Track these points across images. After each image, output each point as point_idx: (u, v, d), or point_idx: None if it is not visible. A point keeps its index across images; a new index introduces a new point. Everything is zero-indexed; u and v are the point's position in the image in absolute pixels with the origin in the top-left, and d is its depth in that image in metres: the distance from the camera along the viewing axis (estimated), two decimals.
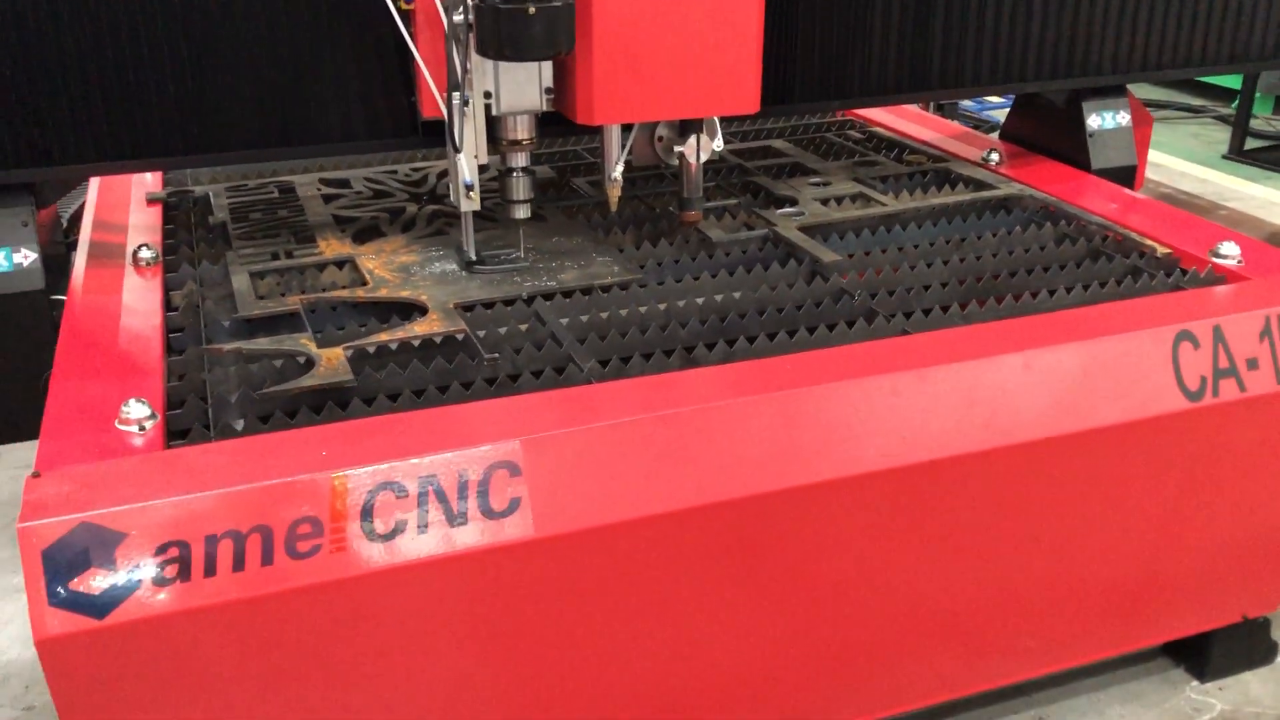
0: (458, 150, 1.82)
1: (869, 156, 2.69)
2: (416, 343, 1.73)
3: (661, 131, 2.07)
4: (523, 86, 1.87)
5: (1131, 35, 2.44)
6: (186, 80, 1.88)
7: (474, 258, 1.98)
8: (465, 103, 1.83)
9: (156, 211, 2.32)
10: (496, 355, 1.68)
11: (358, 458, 1.40)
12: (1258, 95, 5.75)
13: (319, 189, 2.43)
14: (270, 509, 1.35)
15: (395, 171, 2.56)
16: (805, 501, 1.57)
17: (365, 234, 2.18)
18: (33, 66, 1.80)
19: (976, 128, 4.80)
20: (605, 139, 2.00)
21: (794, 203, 2.33)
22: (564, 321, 1.82)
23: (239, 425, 1.54)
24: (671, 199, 2.33)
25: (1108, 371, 1.72)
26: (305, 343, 1.71)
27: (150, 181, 2.49)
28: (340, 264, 2.03)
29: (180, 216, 2.32)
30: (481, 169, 1.93)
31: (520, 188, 1.97)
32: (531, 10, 1.67)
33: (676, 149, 2.04)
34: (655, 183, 2.48)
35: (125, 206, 2.33)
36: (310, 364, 1.65)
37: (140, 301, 1.89)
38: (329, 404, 1.57)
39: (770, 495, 1.53)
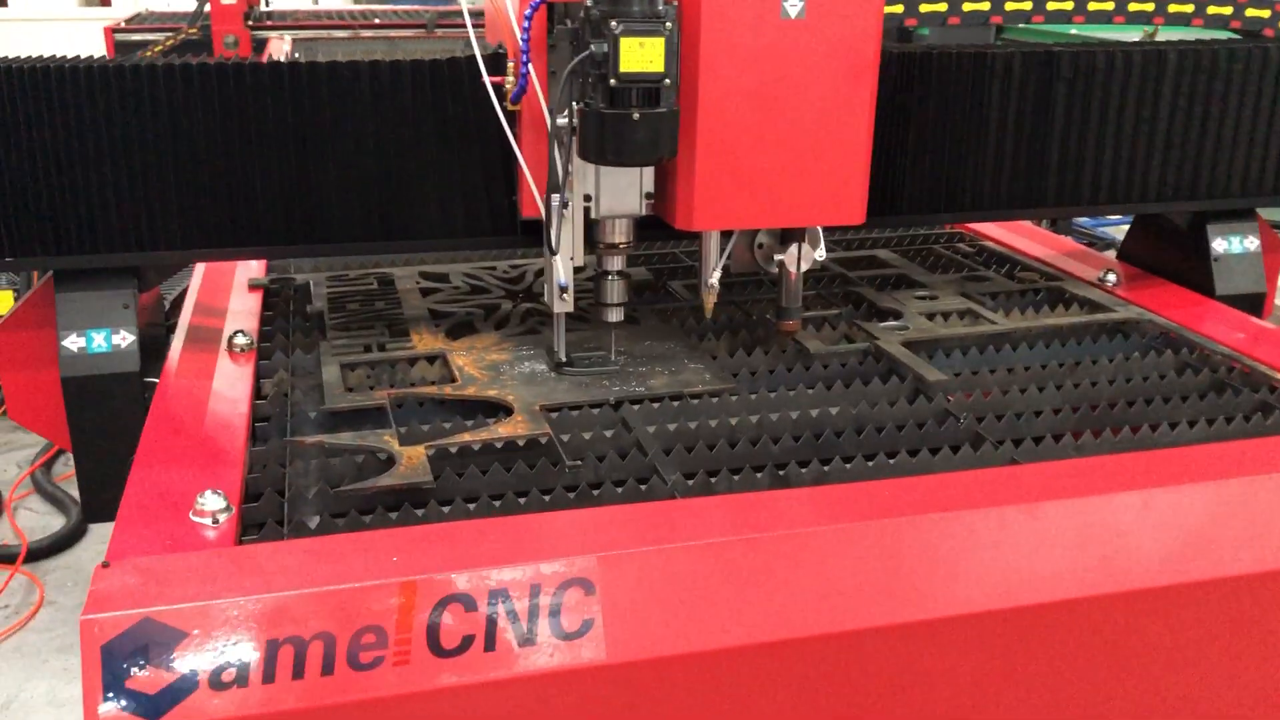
0: (553, 252, 1.80)
1: (978, 271, 2.60)
2: (499, 444, 1.69)
3: (762, 239, 2.02)
4: (623, 191, 1.85)
5: (1263, 157, 2.33)
6: (292, 173, 1.90)
7: (564, 359, 1.94)
8: (565, 205, 1.81)
9: (257, 298, 2.34)
10: (580, 463, 1.62)
11: (428, 565, 1.35)
12: None
13: (418, 282, 2.44)
14: (334, 616, 1.29)
15: (494, 268, 2.56)
16: (899, 641, 1.45)
17: (459, 329, 2.17)
18: (143, 154, 1.84)
19: (1090, 244, 4.67)
20: (704, 245, 1.96)
21: (898, 316, 2.25)
22: (651, 430, 1.76)
23: (313, 523, 1.50)
24: (769, 306, 2.27)
25: (1236, 516, 1.58)
26: (388, 439, 1.67)
27: (255, 268, 2.53)
28: (431, 359, 2.01)
29: (280, 304, 2.34)
30: (577, 270, 1.91)
31: (615, 291, 1.94)
32: (636, 116, 1.65)
33: (777, 257, 1.99)
34: (753, 289, 2.43)
35: (227, 291, 2.37)
36: (391, 461, 1.61)
37: (230, 388, 1.89)
38: (405, 505, 1.52)
39: (861, 632, 1.43)
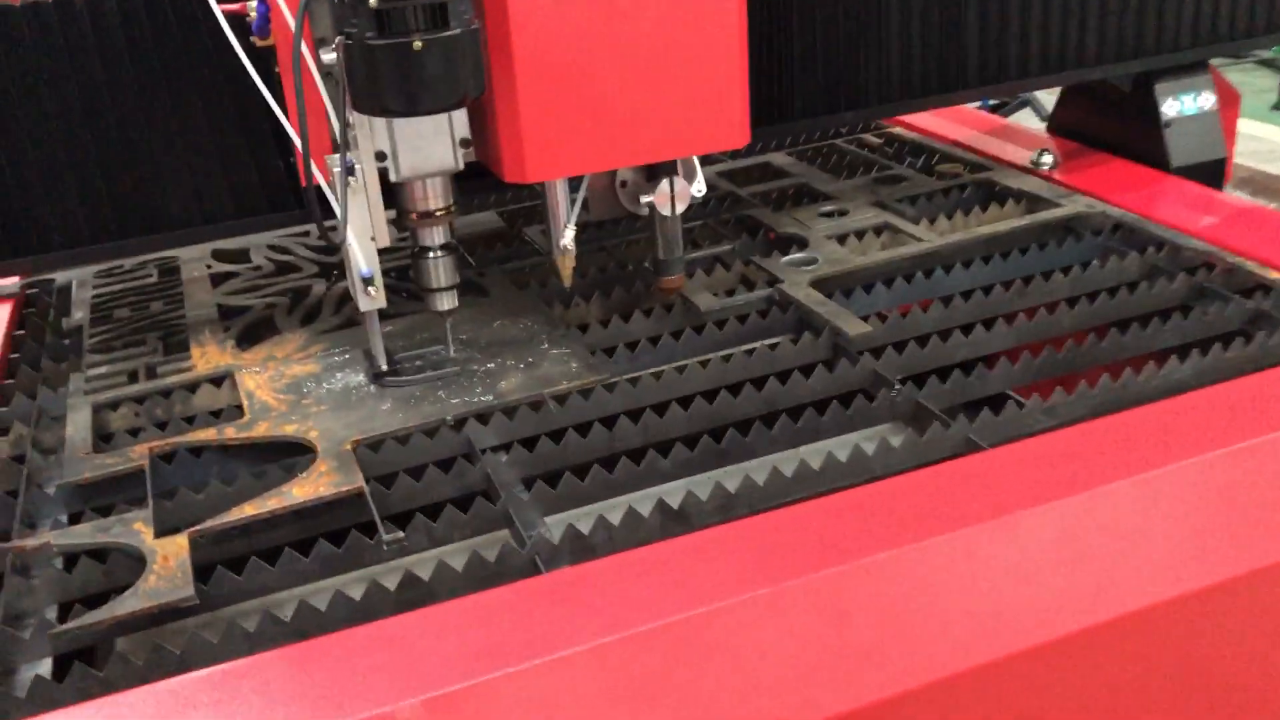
0: (337, 244, 1.34)
1: (890, 168, 2.19)
2: (297, 511, 1.25)
3: (625, 175, 1.58)
4: (428, 142, 1.38)
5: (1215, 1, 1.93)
6: None
7: (384, 368, 1.49)
8: (350, 170, 1.34)
9: (8, 312, 1.84)
10: (401, 535, 1.20)
11: None
12: None
13: (209, 266, 1.95)
14: None
15: (308, 234, 2.07)
16: None
17: (254, 331, 1.70)
18: None
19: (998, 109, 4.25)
20: (548, 197, 1.51)
21: (803, 245, 1.84)
22: (504, 458, 1.34)
23: (24, 686, 1.06)
24: (651, 246, 1.84)
25: (1253, 494, 1.22)
26: (139, 527, 1.23)
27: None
28: (218, 381, 1.55)
29: (37, 317, 1.84)
30: (385, 251, 1.45)
31: (440, 272, 1.48)
32: (418, 44, 1.18)
33: (644, 199, 1.55)
34: (629, 226, 1.99)
35: None
36: (142, 563, 1.17)
37: None
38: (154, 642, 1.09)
39: None
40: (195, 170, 1.50)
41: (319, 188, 1.33)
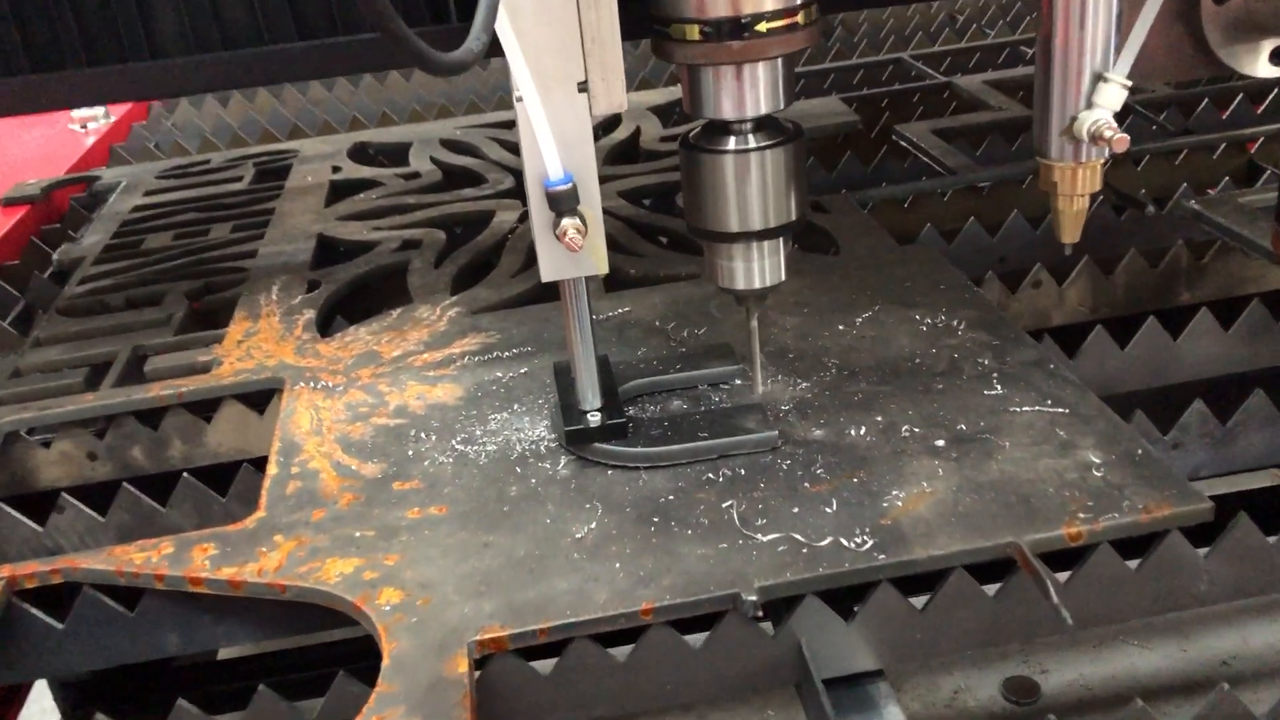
0: (448, 64, 0.44)
1: None
2: None
3: None
4: None
5: None
6: None
7: (596, 415, 0.60)
8: None
9: (5, 228, 1.09)
10: None
11: None
12: None
13: (335, 170, 1.12)
14: None
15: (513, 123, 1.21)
16: None
17: (364, 296, 0.86)
18: None
19: None
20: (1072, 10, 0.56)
21: None
22: None
23: None
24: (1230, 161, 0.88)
25: None
26: None
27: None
28: (254, 400, 0.72)
29: (47, 237, 1.08)
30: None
31: (748, 194, 0.56)
32: None
33: None
34: (1157, 122, 1.01)
35: None
36: None
37: None
38: None
39: None
40: None
41: None
